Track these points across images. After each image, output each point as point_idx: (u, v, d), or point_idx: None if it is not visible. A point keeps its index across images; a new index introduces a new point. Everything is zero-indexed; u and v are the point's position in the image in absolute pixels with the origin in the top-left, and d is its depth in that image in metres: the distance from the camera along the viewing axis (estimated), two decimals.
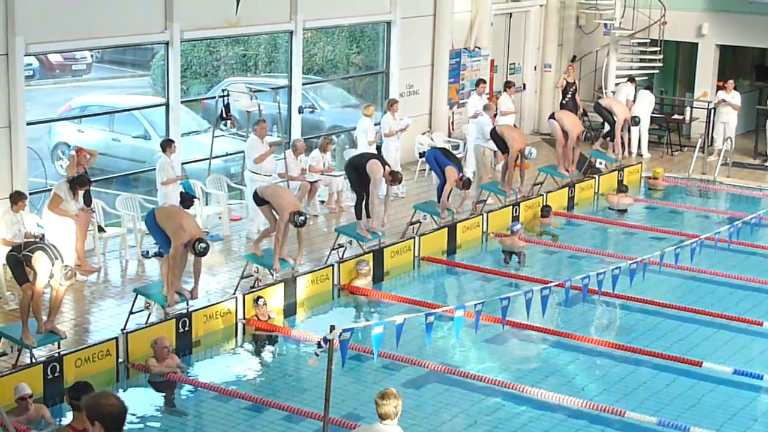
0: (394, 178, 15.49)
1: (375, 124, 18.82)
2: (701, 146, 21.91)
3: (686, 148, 23.40)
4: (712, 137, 22.61)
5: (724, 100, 22.26)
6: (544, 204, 18.52)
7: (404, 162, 19.74)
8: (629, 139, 21.83)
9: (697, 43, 24.51)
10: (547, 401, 11.48)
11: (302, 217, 13.74)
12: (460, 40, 22.16)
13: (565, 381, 12.15)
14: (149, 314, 12.81)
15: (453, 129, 22.12)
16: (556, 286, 12.14)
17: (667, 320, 14.00)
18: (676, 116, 24.42)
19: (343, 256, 15.22)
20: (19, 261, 11.53)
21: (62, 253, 11.71)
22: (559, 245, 17.37)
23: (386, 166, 15.45)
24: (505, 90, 21.59)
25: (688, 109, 24.38)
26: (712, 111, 22.87)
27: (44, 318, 11.75)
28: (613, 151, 20.76)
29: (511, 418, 11.30)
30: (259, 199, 14.08)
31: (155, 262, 14.94)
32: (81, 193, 14.35)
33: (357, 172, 15.51)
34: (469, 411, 11.43)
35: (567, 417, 11.26)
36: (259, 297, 13.53)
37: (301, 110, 19.19)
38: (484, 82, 21.16)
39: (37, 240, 12.53)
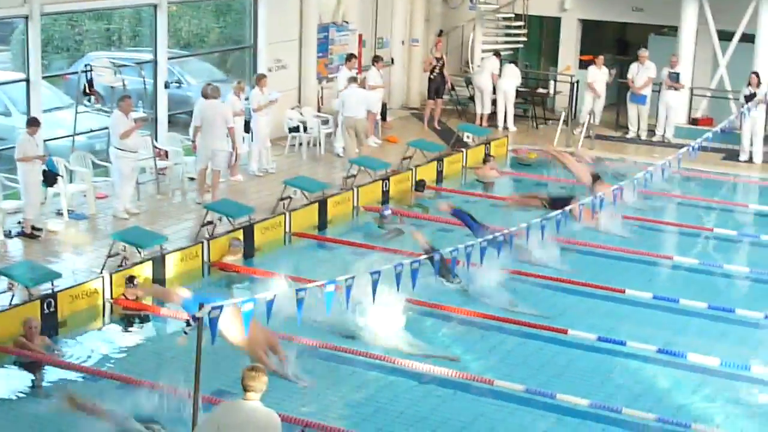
0: None
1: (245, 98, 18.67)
2: (565, 119, 22.37)
3: (550, 122, 23.85)
4: (575, 110, 23.11)
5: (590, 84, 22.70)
6: (417, 179, 18.71)
7: (274, 137, 19.61)
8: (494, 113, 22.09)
9: (560, 18, 24.97)
10: (420, 372, 11.69)
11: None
12: (328, 14, 22.10)
13: (439, 350, 12.33)
14: (12, 295, 12.52)
15: (322, 104, 22.07)
16: (426, 258, 12.26)
17: (534, 288, 14.36)
18: (540, 90, 24.84)
19: (213, 232, 15.10)
20: None
21: None
22: (428, 217, 17.54)
23: None
24: (373, 64, 21.67)
25: (552, 82, 24.83)
26: (575, 84, 23.37)
27: None
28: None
29: (382, 389, 11.47)
30: None
31: (18, 242, 14.58)
32: None
33: None
34: (339, 384, 11.51)
35: (437, 386, 11.46)
36: (133, 276, 13.37)
37: (167, 85, 18.91)
38: (355, 57, 21.17)
39: None
